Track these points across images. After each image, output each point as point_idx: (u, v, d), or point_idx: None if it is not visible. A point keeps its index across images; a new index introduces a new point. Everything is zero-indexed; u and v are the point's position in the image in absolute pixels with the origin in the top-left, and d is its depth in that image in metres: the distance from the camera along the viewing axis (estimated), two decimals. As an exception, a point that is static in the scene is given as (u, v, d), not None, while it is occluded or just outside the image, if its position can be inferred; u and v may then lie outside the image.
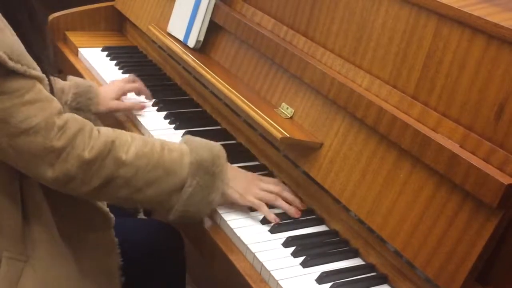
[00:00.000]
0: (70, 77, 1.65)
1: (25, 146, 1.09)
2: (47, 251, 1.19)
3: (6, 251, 1.16)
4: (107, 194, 1.19)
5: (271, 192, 1.35)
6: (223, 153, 1.29)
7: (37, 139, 1.09)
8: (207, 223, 1.32)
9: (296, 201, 1.37)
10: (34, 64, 1.11)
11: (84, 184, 1.15)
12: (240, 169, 1.38)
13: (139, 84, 1.76)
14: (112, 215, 1.34)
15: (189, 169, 1.23)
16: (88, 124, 1.17)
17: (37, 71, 1.11)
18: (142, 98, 1.77)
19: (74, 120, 1.15)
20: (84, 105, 1.60)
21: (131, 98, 1.76)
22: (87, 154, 1.13)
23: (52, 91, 1.20)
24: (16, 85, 1.08)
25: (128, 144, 1.18)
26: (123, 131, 1.23)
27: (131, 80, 1.77)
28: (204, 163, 1.24)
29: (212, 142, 1.31)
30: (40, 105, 1.10)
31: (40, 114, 1.09)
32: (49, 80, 1.19)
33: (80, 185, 1.15)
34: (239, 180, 1.33)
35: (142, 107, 1.71)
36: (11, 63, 1.05)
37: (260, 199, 1.32)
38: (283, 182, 1.45)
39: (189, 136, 1.32)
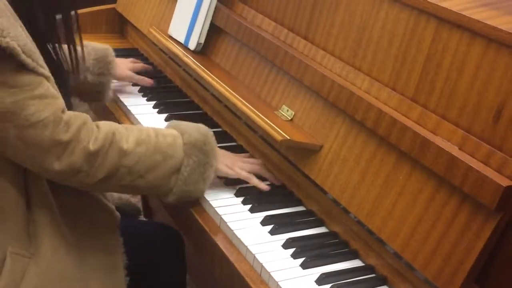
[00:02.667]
0: (86, 43, 1.65)
1: (34, 139, 1.13)
2: (51, 247, 1.21)
3: (11, 246, 1.18)
4: (111, 184, 1.23)
5: (252, 166, 1.45)
6: (210, 132, 1.38)
7: (45, 132, 1.13)
8: (208, 225, 1.33)
9: (271, 177, 1.47)
10: (42, 62, 1.15)
11: (89, 176, 1.19)
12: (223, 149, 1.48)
13: (141, 63, 1.92)
14: (118, 214, 1.37)
15: (184, 150, 1.30)
16: (89, 118, 1.21)
17: (45, 70, 1.15)
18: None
19: (77, 115, 1.19)
20: (105, 69, 1.70)
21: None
22: (91, 146, 1.17)
23: (66, 86, 1.26)
24: (27, 80, 1.11)
25: (126, 134, 1.24)
26: (116, 123, 1.28)
27: (134, 61, 1.91)
28: (197, 142, 1.32)
29: (197, 124, 1.39)
30: (48, 101, 1.14)
31: (47, 109, 1.13)
32: (64, 76, 1.26)
33: (85, 177, 1.19)
34: (226, 157, 1.43)
35: (150, 83, 1.85)
36: (23, 56, 1.09)
37: (248, 171, 1.42)
38: (283, 184, 1.46)
39: (173, 121, 1.40)
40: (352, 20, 1.40)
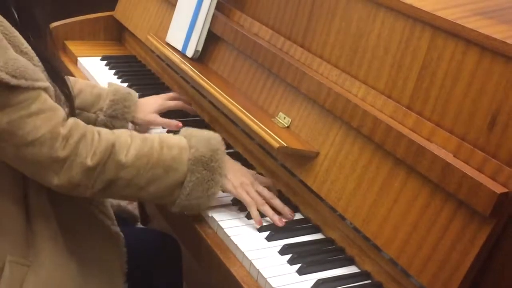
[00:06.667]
0: (110, 83, 1.64)
1: (31, 157, 1.12)
2: (50, 257, 1.21)
3: (10, 255, 1.18)
4: (112, 194, 1.23)
5: (262, 196, 1.35)
6: (221, 145, 1.32)
7: (43, 150, 1.12)
8: (205, 231, 1.33)
9: (285, 210, 1.37)
10: (38, 75, 1.12)
11: (88, 188, 1.19)
12: (237, 163, 1.41)
13: (181, 102, 1.74)
14: (118, 229, 1.35)
15: (188, 165, 1.26)
16: (89, 129, 1.20)
17: (41, 82, 1.13)
18: None
19: (77, 126, 1.17)
20: (120, 113, 1.57)
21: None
22: (89, 162, 1.16)
23: (70, 93, 1.24)
24: (22, 97, 1.10)
25: (127, 146, 1.21)
26: (123, 130, 1.26)
27: (173, 97, 1.74)
28: (203, 159, 1.27)
29: (211, 134, 1.33)
30: (46, 116, 1.12)
31: (45, 125, 1.12)
32: (64, 84, 1.23)
33: (84, 189, 1.19)
34: (236, 173, 1.35)
35: (178, 126, 1.64)
36: (14, 81, 1.07)
37: (252, 197, 1.34)
38: (279, 191, 1.46)
39: (187, 129, 1.34)
40: (348, 29, 1.41)
